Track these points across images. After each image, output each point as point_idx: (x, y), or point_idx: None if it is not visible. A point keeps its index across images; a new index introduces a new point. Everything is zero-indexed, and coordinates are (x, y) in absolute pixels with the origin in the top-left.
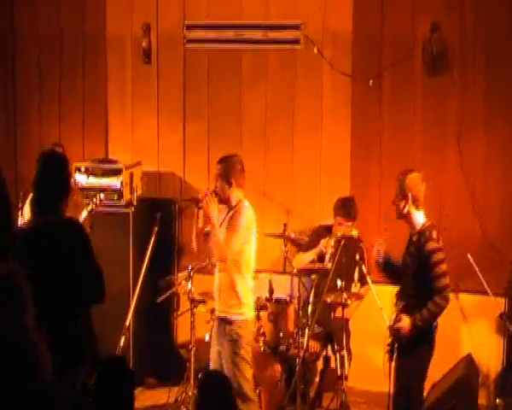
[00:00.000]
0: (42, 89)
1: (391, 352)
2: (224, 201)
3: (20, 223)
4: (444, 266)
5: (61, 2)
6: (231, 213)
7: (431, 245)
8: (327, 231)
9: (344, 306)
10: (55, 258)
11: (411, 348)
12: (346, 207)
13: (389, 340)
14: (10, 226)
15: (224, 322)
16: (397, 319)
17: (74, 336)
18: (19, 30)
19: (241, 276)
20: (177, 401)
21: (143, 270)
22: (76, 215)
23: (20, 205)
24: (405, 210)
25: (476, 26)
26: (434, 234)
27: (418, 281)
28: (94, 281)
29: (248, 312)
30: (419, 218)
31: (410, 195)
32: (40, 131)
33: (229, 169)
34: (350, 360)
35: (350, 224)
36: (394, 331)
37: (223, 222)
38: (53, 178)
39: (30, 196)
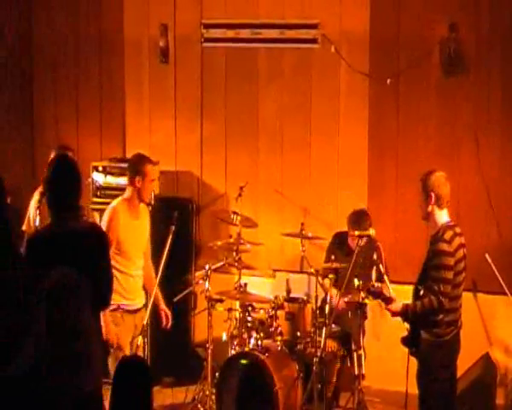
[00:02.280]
0: (59, 90)
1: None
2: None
3: (37, 224)
4: (448, 274)
5: (78, 4)
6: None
7: (440, 246)
8: (342, 239)
9: (361, 305)
10: (78, 263)
11: (426, 351)
12: (360, 222)
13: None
14: (9, 236)
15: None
16: (390, 300)
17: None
18: (36, 31)
19: None
20: (194, 399)
21: (161, 269)
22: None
23: (37, 206)
24: (429, 209)
25: (493, 27)
26: (448, 235)
27: (426, 281)
28: (103, 287)
29: None
30: (441, 217)
31: (432, 194)
32: (57, 132)
33: None
34: (364, 359)
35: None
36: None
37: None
38: (71, 182)
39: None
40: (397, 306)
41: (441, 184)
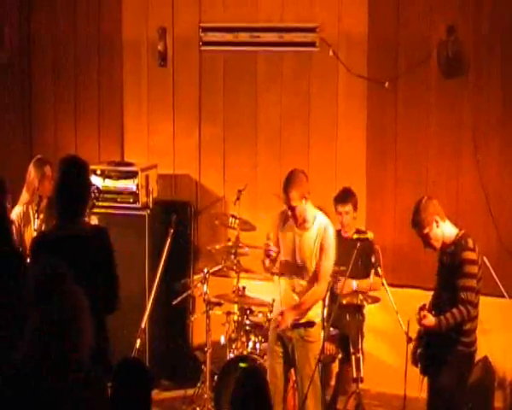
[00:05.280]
0: (57, 92)
1: (416, 356)
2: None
3: (35, 227)
4: (474, 282)
5: (77, 6)
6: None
7: (467, 255)
8: (337, 236)
9: (359, 307)
10: (80, 267)
11: (458, 362)
12: (340, 194)
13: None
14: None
15: None
16: (422, 316)
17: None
18: (36, 33)
19: None
20: (192, 403)
21: (159, 272)
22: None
23: (36, 209)
24: (440, 232)
25: (492, 29)
26: (470, 243)
27: (450, 291)
28: (108, 289)
29: None
30: (448, 230)
31: (436, 217)
32: (56, 134)
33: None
34: (363, 362)
35: (347, 208)
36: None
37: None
38: (80, 185)
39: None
40: (431, 320)
41: (431, 202)
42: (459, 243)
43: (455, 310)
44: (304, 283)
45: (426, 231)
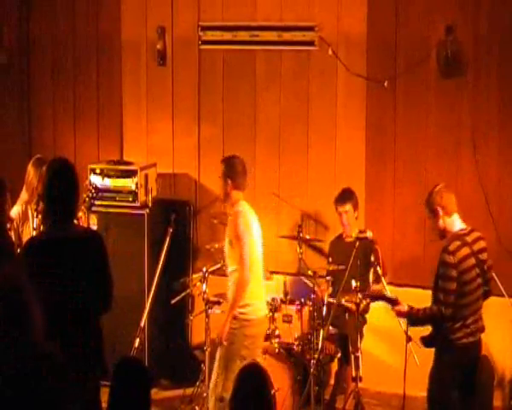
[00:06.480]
0: (56, 92)
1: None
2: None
3: (34, 226)
4: (450, 285)
5: (76, 6)
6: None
7: (444, 257)
8: (338, 239)
9: (358, 306)
10: (77, 269)
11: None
12: (339, 195)
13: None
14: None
15: None
16: (395, 302)
17: (85, 345)
18: (35, 33)
19: None
20: (191, 401)
21: (158, 271)
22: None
23: (35, 208)
24: (441, 224)
25: (491, 29)
26: (453, 246)
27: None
28: (104, 291)
29: None
30: (452, 225)
31: (438, 208)
32: (55, 134)
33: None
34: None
35: (347, 208)
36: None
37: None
38: (71, 188)
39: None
40: (403, 307)
41: (443, 194)
42: (446, 243)
43: (427, 307)
44: (230, 277)
45: (428, 217)
